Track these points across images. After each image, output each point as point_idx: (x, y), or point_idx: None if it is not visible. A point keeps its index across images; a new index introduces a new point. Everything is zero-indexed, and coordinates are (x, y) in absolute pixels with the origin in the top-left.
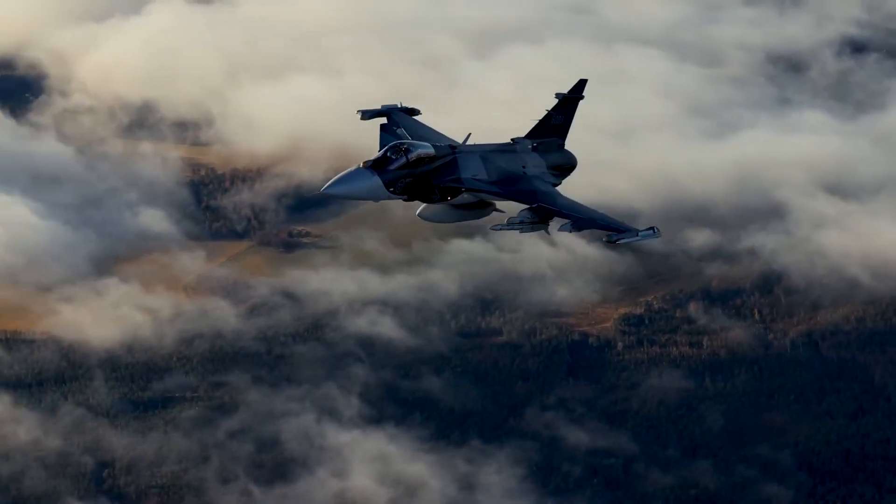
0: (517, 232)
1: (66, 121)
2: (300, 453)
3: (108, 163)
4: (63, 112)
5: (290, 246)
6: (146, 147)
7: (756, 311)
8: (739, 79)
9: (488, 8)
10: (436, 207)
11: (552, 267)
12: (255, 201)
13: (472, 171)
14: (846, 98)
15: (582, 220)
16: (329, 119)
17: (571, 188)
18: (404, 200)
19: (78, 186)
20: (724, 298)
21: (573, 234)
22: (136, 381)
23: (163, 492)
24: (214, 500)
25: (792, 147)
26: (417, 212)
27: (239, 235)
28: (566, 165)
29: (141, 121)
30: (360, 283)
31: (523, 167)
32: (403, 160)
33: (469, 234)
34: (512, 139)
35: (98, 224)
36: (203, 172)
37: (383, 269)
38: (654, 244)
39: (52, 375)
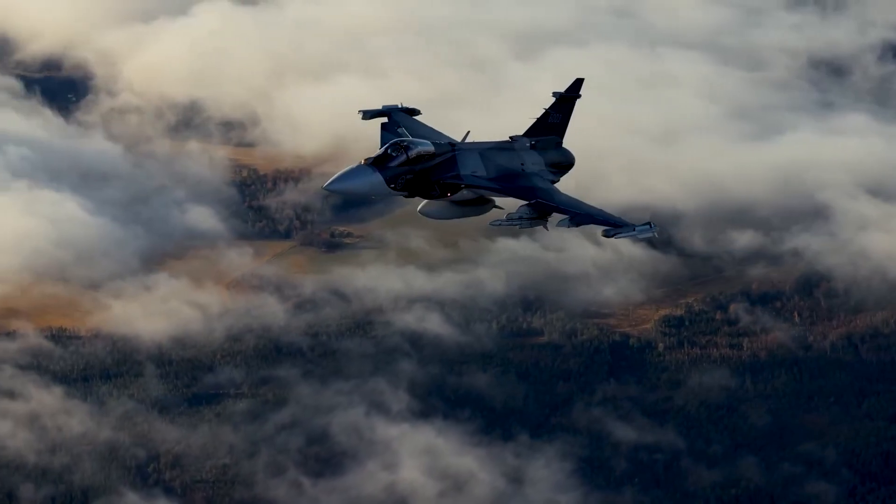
0: (517, 227)
1: (113, 120)
2: (350, 446)
3: (156, 161)
4: (110, 111)
5: (332, 246)
6: (193, 146)
7: (796, 313)
8: (782, 82)
9: (531, 10)
10: (436, 204)
11: (596, 266)
12: (299, 201)
13: (472, 168)
14: (888, 102)
15: (580, 215)
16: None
17: (616, 190)
18: (405, 197)
19: (126, 184)
20: (764, 300)
21: (575, 229)
22: (185, 376)
23: (209, 486)
24: (264, 493)
25: (834, 149)
26: (418, 208)
27: (282, 235)
28: (564, 163)
29: (187, 120)
30: (406, 280)
31: (522, 164)
32: (404, 157)
33: (515, 233)
34: (510, 137)
35: (146, 221)
36: (245, 174)
37: (430, 266)
38: (650, 238)
39: (103, 370)
